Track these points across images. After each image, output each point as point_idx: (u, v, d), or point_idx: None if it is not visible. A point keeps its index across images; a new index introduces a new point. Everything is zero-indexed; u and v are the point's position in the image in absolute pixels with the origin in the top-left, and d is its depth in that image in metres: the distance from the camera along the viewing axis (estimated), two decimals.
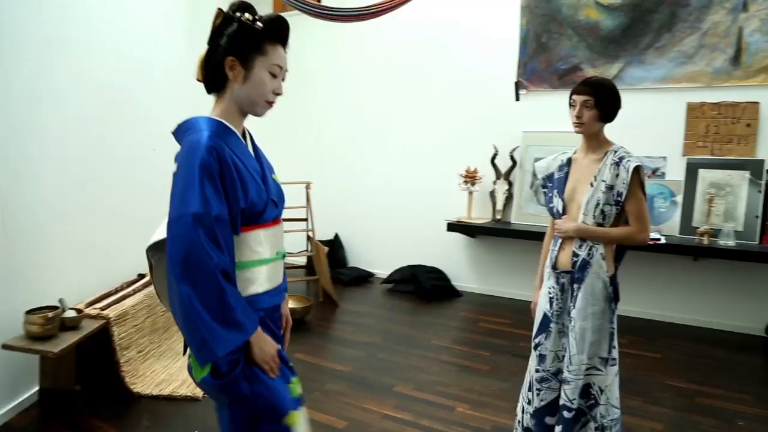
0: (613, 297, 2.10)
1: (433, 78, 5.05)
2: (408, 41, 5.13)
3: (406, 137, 5.24)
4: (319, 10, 4.10)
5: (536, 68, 4.55)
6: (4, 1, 2.63)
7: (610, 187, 2.02)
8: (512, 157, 4.61)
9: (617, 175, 2.01)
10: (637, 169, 2.00)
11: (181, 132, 1.40)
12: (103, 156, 3.37)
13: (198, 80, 1.47)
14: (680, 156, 4.14)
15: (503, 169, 4.65)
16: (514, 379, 3.18)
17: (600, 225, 2.06)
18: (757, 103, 3.86)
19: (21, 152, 2.72)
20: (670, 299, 4.28)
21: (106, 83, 3.37)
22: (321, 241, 5.01)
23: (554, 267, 2.16)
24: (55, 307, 2.73)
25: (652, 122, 4.15)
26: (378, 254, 5.56)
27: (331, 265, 5.27)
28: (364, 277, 5.44)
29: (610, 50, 4.25)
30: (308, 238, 5.08)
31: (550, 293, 2.18)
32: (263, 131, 6.50)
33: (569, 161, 2.19)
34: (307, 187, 4.90)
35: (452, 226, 4.73)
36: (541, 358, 2.21)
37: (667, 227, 4.11)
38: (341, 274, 5.31)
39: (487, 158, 4.70)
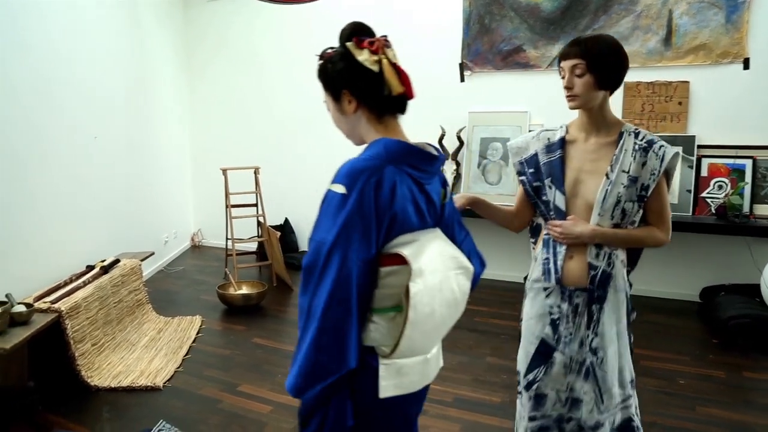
0: (632, 313, 1.78)
1: None
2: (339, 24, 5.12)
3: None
4: None
5: (480, 50, 4.64)
6: None
7: (634, 180, 1.61)
8: (459, 138, 4.69)
9: (644, 164, 1.61)
10: (676, 157, 1.63)
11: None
12: (44, 145, 3.23)
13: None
14: None
15: (451, 150, 4.74)
16: (470, 353, 3.30)
17: (616, 227, 1.67)
18: (687, 82, 4.09)
19: None
20: None
21: (44, 71, 3.22)
22: (272, 226, 4.97)
23: (561, 282, 1.72)
24: (2, 303, 2.62)
25: None
26: None
27: (283, 250, 5.24)
28: None
29: (550, 32, 4.39)
30: (258, 223, 5.04)
31: (552, 314, 1.74)
32: (212, 117, 6.42)
33: (562, 142, 1.73)
34: (256, 172, 4.85)
35: None
36: (539, 400, 1.77)
37: None
38: (293, 258, 5.29)
39: (434, 139, 4.77)
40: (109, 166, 4.03)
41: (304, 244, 5.68)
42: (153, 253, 4.28)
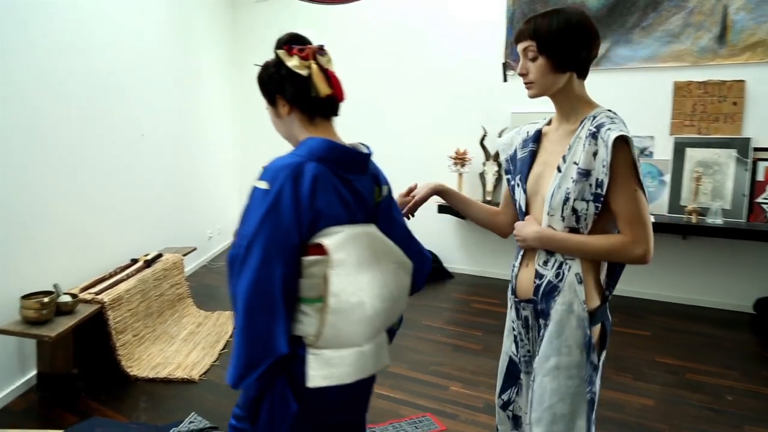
0: (597, 344, 1.43)
1: (420, 60, 5.04)
2: (393, 23, 5.11)
3: (395, 119, 5.23)
4: None
5: None
6: None
7: (585, 173, 1.33)
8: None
9: (595, 154, 1.32)
10: (622, 143, 1.28)
11: None
12: (94, 142, 3.36)
13: None
14: (668, 135, 4.18)
15: (492, 151, 4.68)
16: None
17: (574, 231, 1.38)
18: (742, 81, 3.89)
19: (10, 141, 2.71)
20: (659, 278, 4.34)
21: (94, 70, 3.35)
22: None
23: (514, 292, 1.55)
24: (50, 292, 2.74)
25: (639, 102, 4.17)
26: None
27: None
28: None
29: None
30: None
31: (513, 329, 1.57)
32: (257, 114, 6.49)
33: (538, 135, 1.53)
34: None
35: (443, 208, 4.75)
36: (516, 421, 1.60)
37: (655, 206, 4.16)
38: None
39: (476, 140, 4.71)
40: (156, 162, 4.15)
41: None
42: (195, 249, 4.39)
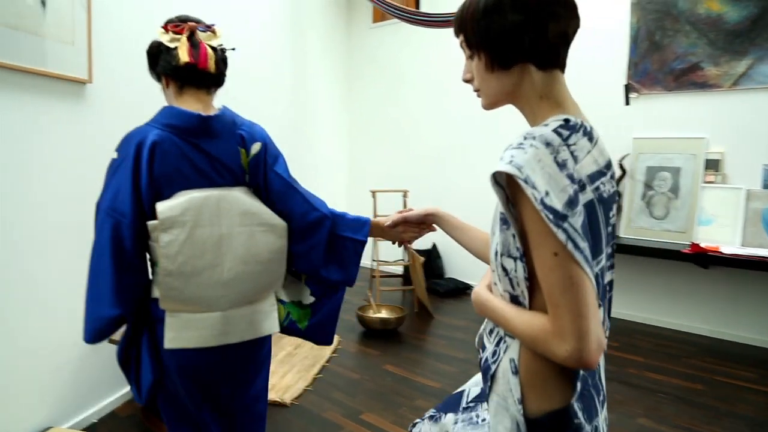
0: None
1: None
2: None
3: (503, 142, 5.04)
4: (417, 17, 4.06)
5: (648, 69, 4.19)
6: None
7: (504, 219, 0.93)
8: (621, 166, 4.27)
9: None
10: (513, 182, 0.84)
11: None
12: None
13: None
14: None
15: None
16: (619, 409, 2.89)
17: (514, 299, 0.95)
18: None
19: None
20: None
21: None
22: (418, 251, 4.94)
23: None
24: None
25: None
26: (476, 265, 5.38)
27: (428, 276, 5.18)
28: (461, 289, 5.29)
29: (735, 45, 3.82)
30: (405, 247, 5.03)
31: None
32: (368, 139, 6.61)
33: None
34: (405, 195, 4.85)
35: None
36: None
37: None
38: (437, 284, 5.20)
39: None
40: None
41: (450, 271, 5.57)
42: None
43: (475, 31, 0.96)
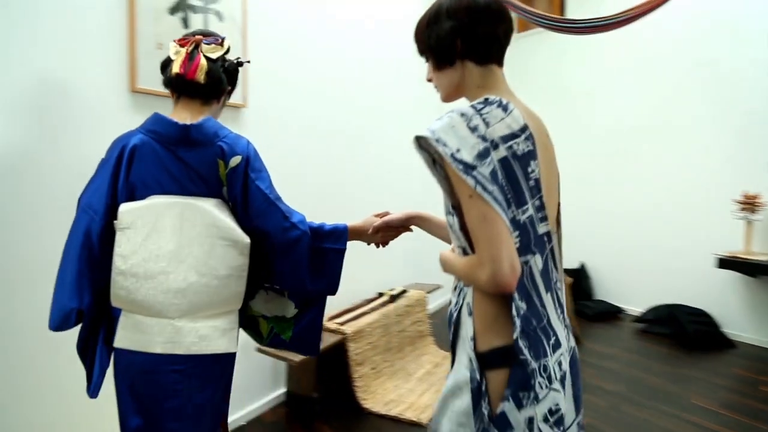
0: (488, 405, 1.05)
1: (695, 87, 4.36)
2: (662, 44, 4.54)
3: (665, 155, 4.60)
4: (563, 24, 3.86)
5: None
6: None
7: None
8: None
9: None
10: (424, 142, 1.07)
11: None
12: (354, 189, 3.63)
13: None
14: None
15: None
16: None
17: (465, 252, 1.13)
18: None
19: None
20: None
21: (353, 125, 3.64)
22: (565, 270, 4.65)
23: None
24: None
25: None
26: (629, 288, 4.97)
27: (576, 297, 4.89)
28: (612, 313, 4.90)
29: None
30: None
31: None
32: None
33: None
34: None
35: (725, 263, 3.96)
36: None
37: None
38: (586, 307, 4.86)
39: None
40: (407, 202, 4.32)
41: (599, 292, 5.20)
42: (441, 287, 4.42)
43: (422, 39, 1.23)
